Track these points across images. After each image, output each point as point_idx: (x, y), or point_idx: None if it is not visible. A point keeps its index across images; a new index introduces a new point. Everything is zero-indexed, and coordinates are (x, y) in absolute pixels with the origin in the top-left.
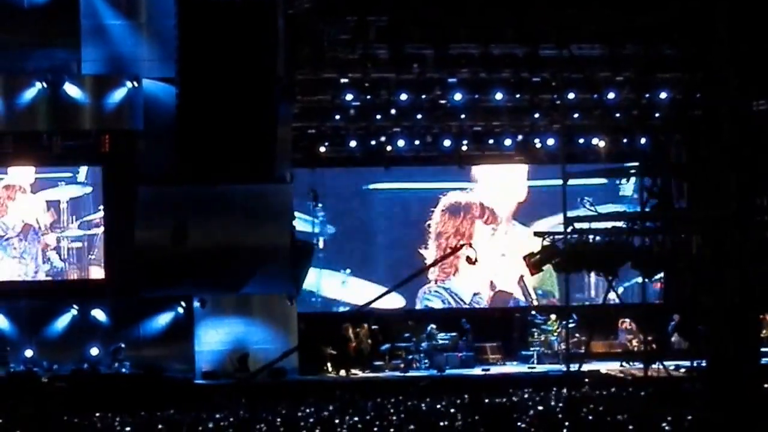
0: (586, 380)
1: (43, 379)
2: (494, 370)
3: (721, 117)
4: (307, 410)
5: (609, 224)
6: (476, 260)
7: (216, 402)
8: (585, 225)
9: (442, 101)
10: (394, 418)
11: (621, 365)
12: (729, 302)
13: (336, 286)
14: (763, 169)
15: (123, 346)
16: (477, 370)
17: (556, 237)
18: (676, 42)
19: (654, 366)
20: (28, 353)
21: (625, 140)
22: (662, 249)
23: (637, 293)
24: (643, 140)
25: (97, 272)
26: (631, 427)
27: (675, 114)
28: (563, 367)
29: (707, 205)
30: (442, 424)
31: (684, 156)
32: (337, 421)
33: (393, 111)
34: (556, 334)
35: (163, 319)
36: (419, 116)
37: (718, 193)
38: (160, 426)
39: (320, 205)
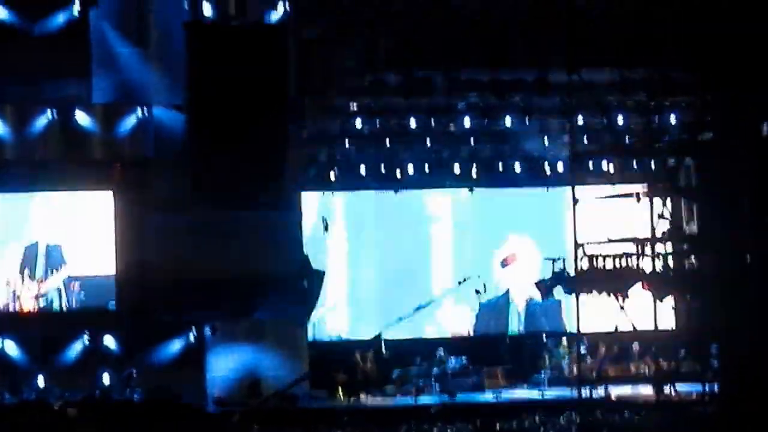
0: (598, 404)
1: (54, 406)
2: (505, 394)
3: (732, 140)
4: None
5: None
6: None
7: (228, 428)
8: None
9: (452, 126)
10: None
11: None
12: (742, 325)
13: None
14: None
15: (135, 372)
16: (488, 395)
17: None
18: (687, 66)
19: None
20: (40, 381)
21: (634, 163)
22: (673, 271)
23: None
24: (652, 163)
25: None
26: None
27: (685, 137)
28: (574, 392)
29: (719, 227)
30: None
31: (694, 179)
32: None
33: (403, 136)
34: (566, 358)
35: (175, 345)
36: (429, 141)
37: (730, 216)
38: None
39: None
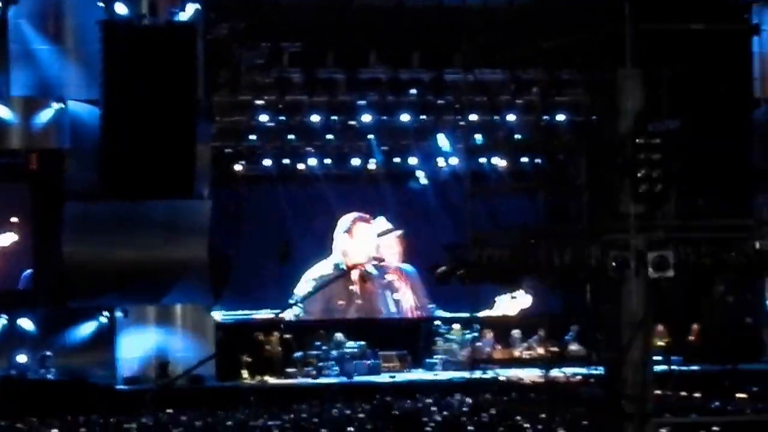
0: (488, 386)
1: None
2: (400, 377)
3: (616, 139)
4: (224, 415)
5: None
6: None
7: (138, 406)
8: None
9: (352, 122)
10: (306, 423)
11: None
12: (628, 312)
13: None
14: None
15: (49, 354)
16: (384, 377)
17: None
18: (578, 67)
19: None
20: None
21: (525, 160)
22: (562, 262)
23: None
24: (542, 160)
25: None
26: (527, 426)
27: (574, 135)
28: (466, 374)
29: (606, 219)
30: (350, 429)
31: (583, 174)
32: (251, 424)
33: (305, 132)
34: (459, 342)
35: (87, 328)
36: (330, 136)
37: (616, 209)
38: (83, 429)
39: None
